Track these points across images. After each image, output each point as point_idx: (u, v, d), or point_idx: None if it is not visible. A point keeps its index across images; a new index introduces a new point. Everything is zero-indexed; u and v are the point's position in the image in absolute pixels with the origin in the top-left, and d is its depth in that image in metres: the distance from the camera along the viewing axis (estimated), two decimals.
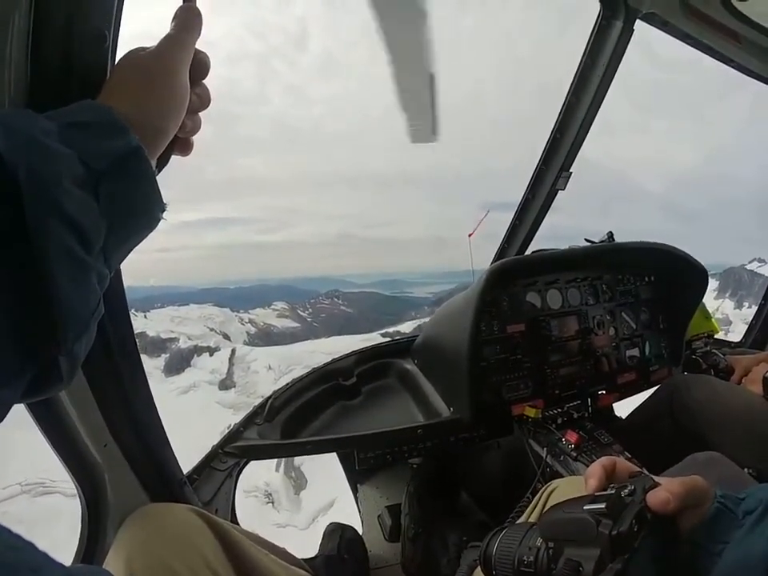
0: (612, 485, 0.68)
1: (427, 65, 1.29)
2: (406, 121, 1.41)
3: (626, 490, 0.61)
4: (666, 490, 0.61)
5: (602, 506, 0.57)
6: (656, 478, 0.67)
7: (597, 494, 0.63)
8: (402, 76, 1.29)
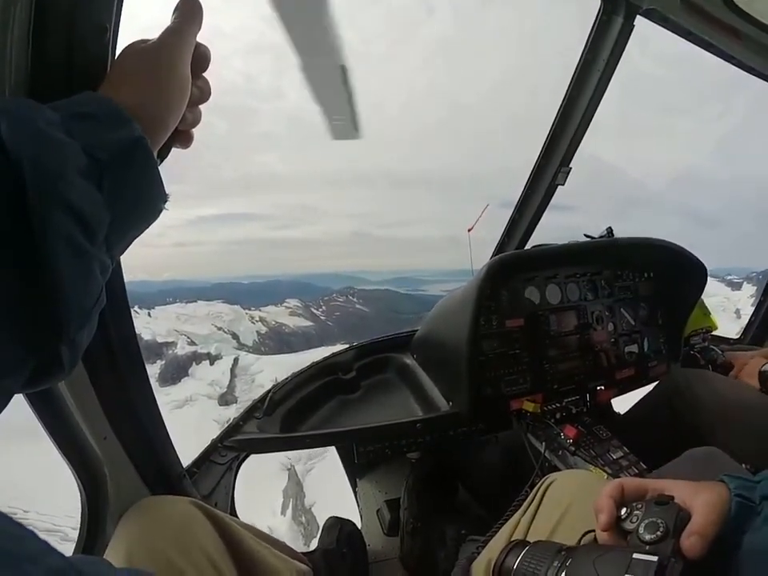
0: (624, 508, 0.68)
1: (336, 56, 1.24)
2: (322, 116, 1.34)
3: (660, 531, 0.61)
4: (699, 534, 0.60)
5: (654, 558, 0.57)
6: (673, 491, 0.67)
7: (640, 544, 0.62)
8: (310, 69, 1.24)
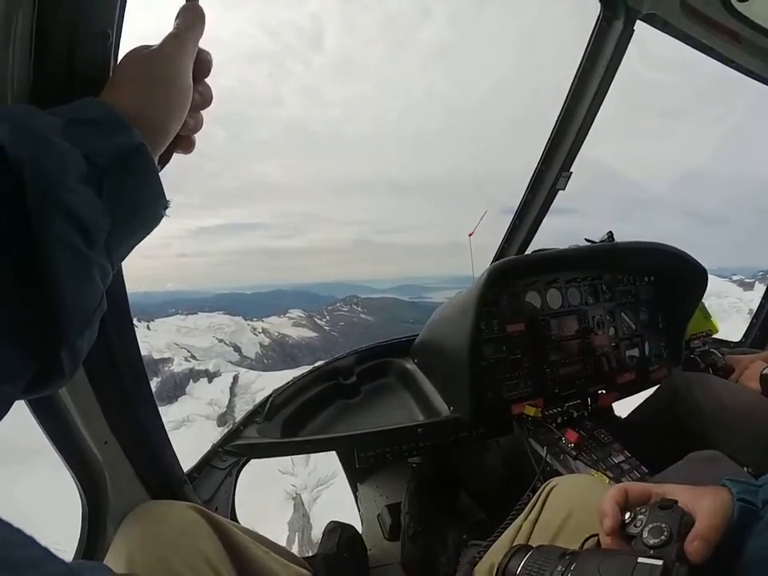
0: (628, 512, 0.68)
1: None
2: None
3: (664, 535, 0.61)
4: (703, 538, 0.60)
5: (659, 562, 0.57)
6: (676, 496, 0.67)
7: (643, 548, 0.62)
8: None
